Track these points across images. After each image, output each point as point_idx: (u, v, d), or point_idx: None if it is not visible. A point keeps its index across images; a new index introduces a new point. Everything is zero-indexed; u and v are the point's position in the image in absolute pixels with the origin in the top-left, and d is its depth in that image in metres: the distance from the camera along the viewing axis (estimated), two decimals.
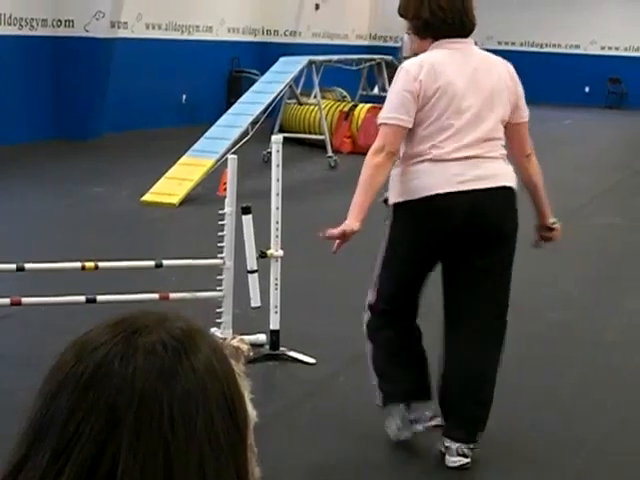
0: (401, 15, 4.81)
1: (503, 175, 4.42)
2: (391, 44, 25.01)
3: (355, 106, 16.05)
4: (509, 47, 29.83)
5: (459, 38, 4.47)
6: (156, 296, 5.61)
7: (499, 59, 4.64)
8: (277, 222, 5.66)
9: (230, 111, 12.58)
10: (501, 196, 4.38)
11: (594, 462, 4.59)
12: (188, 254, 6.11)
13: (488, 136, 4.38)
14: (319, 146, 14.41)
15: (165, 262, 5.80)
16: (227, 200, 5.74)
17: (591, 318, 6.93)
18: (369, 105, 16.02)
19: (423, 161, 4.33)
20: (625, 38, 28.97)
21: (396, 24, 22.56)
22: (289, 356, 5.60)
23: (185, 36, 18.48)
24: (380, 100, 17.12)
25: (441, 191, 4.27)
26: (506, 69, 4.57)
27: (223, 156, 10.34)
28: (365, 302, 4.69)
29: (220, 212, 5.75)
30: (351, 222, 4.58)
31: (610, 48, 29.27)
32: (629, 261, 8.91)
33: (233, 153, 10.83)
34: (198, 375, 1.18)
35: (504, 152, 4.46)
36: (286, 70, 13.78)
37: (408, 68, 4.41)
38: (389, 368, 4.56)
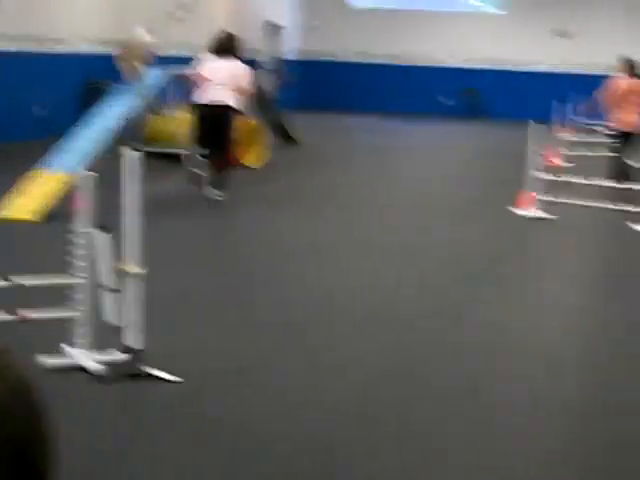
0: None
1: (228, 99, 11.66)
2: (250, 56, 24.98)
3: None
4: (369, 60, 30.23)
5: (224, 55, 11.92)
6: (13, 316, 5.45)
7: (237, 61, 11.94)
8: (135, 239, 5.55)
9: (86, 124, 12.34)
10: (225, 108, 11.65)
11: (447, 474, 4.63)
12: (45, 272, 5.95)
13: (227, 87, 11.61)
14: (179, 159, 14.28)
15: (21, 281, 5.64)
16: (83, 217, 5.62)
17: (449, 326, 7.02)
18: None
19: (202, 92, 11.70)
20: (481, 51, 29.61)
21: (255, 37, 22.41)
22: (151, 374, 5.49)
23: (39, 48, 18.09)
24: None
25: (202, 101, 11.76)
26: (239, 63, 11.87)
27: (80, 170, 10.12)
28: None
29: (77, 230, 5.63)
30: None
31: (466, 60, 29.88)
32: (483, 268, 9.07)
33: (90, 167, 10.68)
34: None
35: (234, 92, 11.71)
36: (145, 83, 13.60)
37: (204, 58, 12.13)
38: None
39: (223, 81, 11.67)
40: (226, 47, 12.05)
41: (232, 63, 11.90)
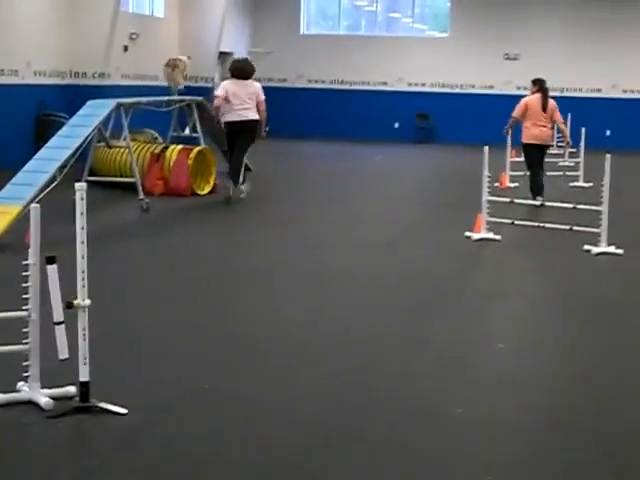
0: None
1: (253, 115, 14.58)
2: (202, 84, 25.04)
3: (166, 148, 15.95)
4: (319, 85, 30.36)
5: (241, 79, 14.75)
6: None
7: (254, 82, 14.90)
8: (83, 271, 5.52)
9: (37, 156, 12.27)
10: (251, 122, 14.56)
11: None
12: None
13: (251, 105, 14.56)
14: (131, 189, 14.24)
15: None
16: (31, 250, 5.58)
17: (403, 348, 7.04)
18: (180, 146, 15.96)
19: (229, 111, 14.54)
20: (430, 75, 29.81)
21: (208, 65, 22.62)
22: (100, 407, 5.45)
23: None
24: (191, 141, 17.12)
25: (231, 119, 14.59)
26: (256, 84, 14.85)
27: (30, 203, 10.10)
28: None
29: (24, 262, 5.59)
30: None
31: (417, 84, 30.06)
32: (437, 290, 9.12)
33: (41, 199, 10.62)
34: None
35: (255, 110, 14.62)
36: (94, 113, 13.56)
37: (223, 85, 14.80)
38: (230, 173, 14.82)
39: (245, 100, 14.52)
40: (244, 71, 14.82)
41: (250, 83, 14.72)
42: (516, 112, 15.45)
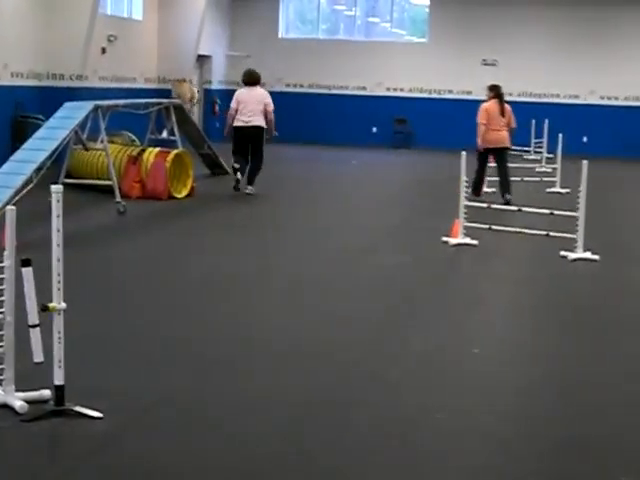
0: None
1: (259, 122, 15.85)
2: None
3: (144, 150, 15.90)
4: (297, 89, 30.34)
5: (251, 85, 16.20)
6: None
7: (261, 89, 16.23)
8: (59, 274, 5.48)
9: (13, 158, 12.22)
10: (257, 128, 15.86)
11: None
12: None
13: (257, 111, 15.82)
14: (109, 191, 14.18)
15: None
16: (6, 252, 5.54)
17: (382, 353, 7.04)
18: (158, 149, 15.91)
19: (239, 116, 15.87)
20: (409, 80, 29.83)
21: (186, 68, 22.57)
22: (75, 411, 5.42)
23: None
24: (169, 144, 17.09)
25: (236, 124, 15.91)
26: (263, 91, 16.22)
27: (6, 205, 10.05)
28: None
29: None
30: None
31: (395, 89, 30.09)
32: (415, 296, 9.12)
33: (17, 202, 10.58)
34: None
35: (263, 116, 15.88)
36: (71, 115, 13.52)
37: (235, 96, 16.14)
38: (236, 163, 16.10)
39: (254, 106, 15.79)
40: (254, 79, 16.21)
41: (259, 91, 16.08)
42: (482, 118, 16.20)
